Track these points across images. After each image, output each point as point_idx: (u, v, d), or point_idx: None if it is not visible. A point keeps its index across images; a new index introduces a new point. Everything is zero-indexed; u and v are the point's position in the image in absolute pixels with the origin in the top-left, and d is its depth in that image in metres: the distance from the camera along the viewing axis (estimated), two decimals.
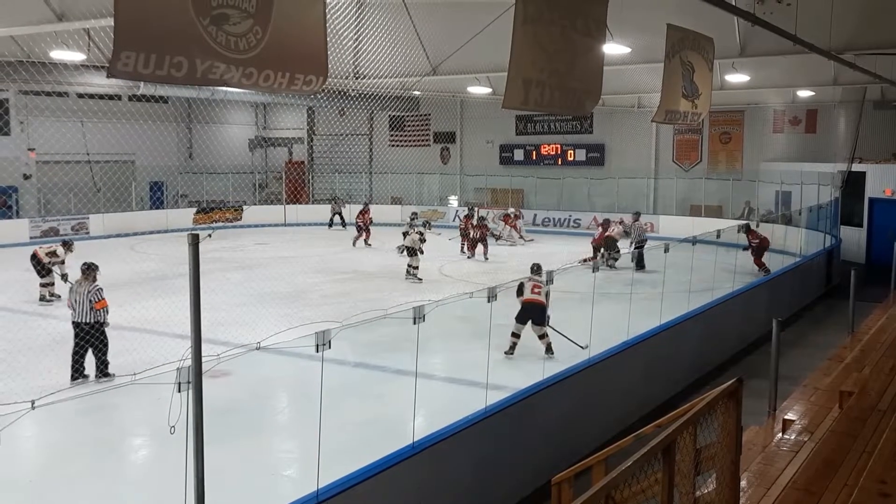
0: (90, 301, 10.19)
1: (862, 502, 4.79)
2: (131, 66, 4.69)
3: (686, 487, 4.20)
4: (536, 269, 11.85)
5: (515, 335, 11.16)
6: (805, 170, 23.33)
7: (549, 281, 9.80)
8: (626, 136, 29.38)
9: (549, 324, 11.16)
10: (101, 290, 10.40)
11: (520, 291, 11.24)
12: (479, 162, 33.08)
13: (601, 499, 3.04)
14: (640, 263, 16.62)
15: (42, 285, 15.48)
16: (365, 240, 24.46)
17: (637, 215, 21.16)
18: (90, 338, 10.18)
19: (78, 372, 10.22)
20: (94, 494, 7.24)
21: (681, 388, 11.25)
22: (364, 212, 24.89)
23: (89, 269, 10.53)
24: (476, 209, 25.29)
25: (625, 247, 19.24)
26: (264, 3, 5.39)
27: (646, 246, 17.58)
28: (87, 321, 10.16)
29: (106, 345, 10.38)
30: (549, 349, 10.99)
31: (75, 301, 10.29)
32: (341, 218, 29.39)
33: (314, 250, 23.81)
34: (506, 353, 11.03)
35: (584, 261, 18.83)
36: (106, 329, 10.43)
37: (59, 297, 15.22)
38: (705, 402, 4.21)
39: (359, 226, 24.69)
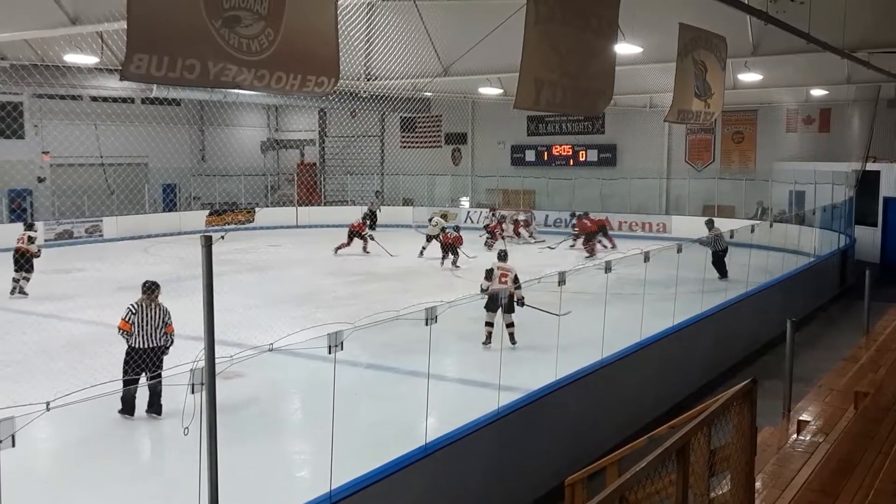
0: (165, 324, 9.02)
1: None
2: (144, 69, 4.71)
3: (700, 489, 4.18)
4: (503, 255, 12.57)
5: (489, 324, 11.51)
6: (819, 169, 23.16)
7: (562, 281, 9.77)
8: (639, 136, 29.26)
9: (526, 304, 11.51)
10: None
11: (488, 276, 12.06)
12: (491, 163, 33.04)
13: (615, 500, 3.03)
14: (722, 271, 16.62)
15: (25, 279, 16.02)
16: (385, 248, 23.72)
17: (711, 222, 18.80)
18: (152, 365, 8.87)
19: (131, 407, 8.84)
20: (109, 495, 7.28)
21: (694, 388, 11.20)
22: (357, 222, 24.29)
23: (154, 289, 9.14)
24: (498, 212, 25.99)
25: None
26: (276, 5, 5.41)
27: (719, 251, 16.99)
28: (155, 345, 8.92)
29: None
30: (512, 338, 11.41)
31: (142, 324, 8.90)
32: (374, 218, 28.49)
33: (327, 252, 23.83)
34: (483, 343, 11.44)
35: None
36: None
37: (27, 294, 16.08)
38: (719, 403, 4.19)
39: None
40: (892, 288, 15.62)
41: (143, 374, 8.84)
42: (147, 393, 8.77)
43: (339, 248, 23.00)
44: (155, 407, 8.79)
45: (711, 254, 16.65)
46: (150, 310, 8.95)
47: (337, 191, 35.01)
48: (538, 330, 11.14)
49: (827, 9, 13.44)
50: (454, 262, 20.67)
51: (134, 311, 8.90)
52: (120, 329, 8.94)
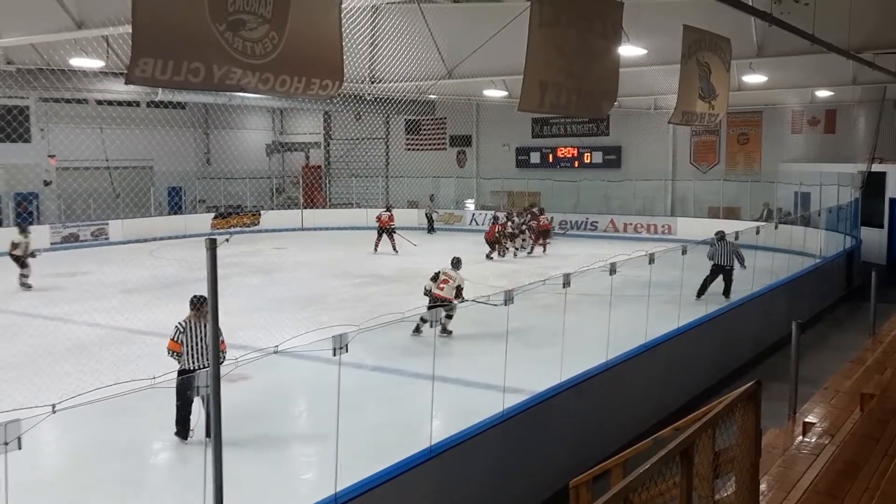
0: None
1: None
2: (149, 73, 4.73)
3: (705, 491, 4.17)
4: (456, 262, 13.15)
5: (422, 320, 11.59)
6: (824, 170, 23.11)
7: (567, 283, 9.76)
8: (643, 137, 29.26)
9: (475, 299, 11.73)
10: None
11: (435, 278, 12.75)
12: (496, 165, 33.06)
13: (619, 502, 3.03)
14: (727, 289, 15.12)
15: (23, 275, 17.24)
16: (391, 245, 23.99)
17: (720, 234, 15.88)
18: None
19: (186, 428, 8.24)
20: (114, 497, 7.30)
21: (700, 390, 11.17)
22: (385, 216, 24.55)
23: (202, 304, 8.18)
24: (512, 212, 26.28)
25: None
26: (280, 8, 5.43)
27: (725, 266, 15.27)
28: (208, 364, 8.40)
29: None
30: (444, 330, 12.30)
31: (192, 342, 8.27)
32: (430, 222, 30.41)
33: (332, 254, 23.88)
34: (412, 332, 11.86)
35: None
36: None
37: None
38: (724, 405, 4.18)
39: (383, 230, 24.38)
40: None
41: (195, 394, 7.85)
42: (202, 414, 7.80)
43: (375, 247, 24.04)
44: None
45: (712, 267, 15.19)
46: (200, 327, 8.24)
47: (342, 193, 35.07)
48: (544, 332, 11.13)
49: (832, 10, 13.42)
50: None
51: (182, 330, 8.29)
52: (169, 350, 8.32)
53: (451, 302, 12.19)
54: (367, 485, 5.97)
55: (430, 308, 11.71)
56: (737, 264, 15.22)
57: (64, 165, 27.25)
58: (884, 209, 23.21)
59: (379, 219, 24.50)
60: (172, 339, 8.28)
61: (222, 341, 7.85)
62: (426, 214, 30.74)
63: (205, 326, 8.02)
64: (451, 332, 12.59)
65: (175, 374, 8.03)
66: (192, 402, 8.09)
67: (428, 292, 12.68)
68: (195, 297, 8.36)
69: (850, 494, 5.16)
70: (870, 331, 11.88)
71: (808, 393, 8.43)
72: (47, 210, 27.56)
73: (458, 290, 12.58)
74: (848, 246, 20.26)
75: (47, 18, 13.43)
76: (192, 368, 8.15)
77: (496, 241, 23.06)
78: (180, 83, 4.90)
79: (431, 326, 11.15)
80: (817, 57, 15.36)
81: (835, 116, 26.48)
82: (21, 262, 17.17)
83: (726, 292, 15.06)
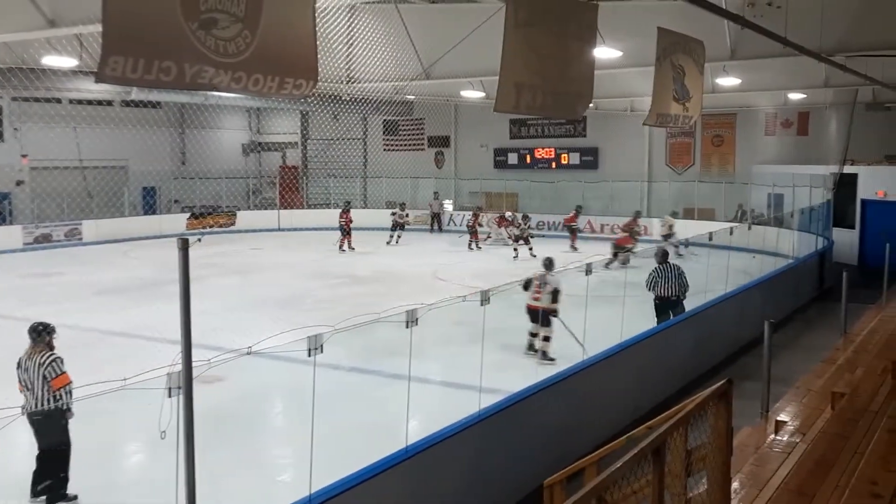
0: (44, 377, 6.83)
1: (854, 503, 4.80)
2: (120, 71, 4.68)
3: (677, 489, 4.20)
4: (548, 263, 11.69)
5: (532, 334, 11.48)
6: (797, 172, 23.39)
7: (546, 283, 9.79)
8: (620, 139, 29.49)
9: (559, 318, 11.17)
10: (61, 360, 6.98)
11: (526, 286, 11.25)
12: (474, 166, 33.12)
13: (591, 500, 3.05)
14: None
15: None
16: (347, 243, 24.61)
17: (662, 255, 12.79)
18: (47, 435, 6.86)
19: (53, 492, 6.91)
20: (85, 501, 7.21)
21: (675, 390, 11.25)
22: (345, 213, 25.00)
23: (41, 333, 7.17)
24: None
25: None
26: (253, 7, 5.40)
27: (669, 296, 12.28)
28: (43, 409, 6.79)
29: (68, 451, 6.93)
30: (544, 355, 11.05)
31: (28, 380, 6.97)
32: (439, 221, 31.00)
33: (308, 255, 23.79)
34: (525, 351, 11.40)
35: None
36: (70, 421, 6.93)
37: None
38: (695, 404, 4.22)
39: (342, 228, 24.83)
40: (869, 290, 15.76)
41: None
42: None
43: (341, 244, 24.48)
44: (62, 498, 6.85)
45: (655, 301, 12.26)
46: (33, 361, 6.95)
47: (319, 194, 34.94)
48: (521, 333, 11.16)
49: (804, 13, 13.58)
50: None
51: (19, 367, 7.04)
52: (66, 386, 6.91)
53: (552, 312, 11.11)
54: (342, 486, 5.95)
55: (532, 321, 11.29)
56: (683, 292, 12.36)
57: (37, 165, 26.90)
58: (855, 210, 23.55)
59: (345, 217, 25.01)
60: (64, 373, 6.96)
61: (63, 373, 6.90)
62: (431, 212, 31.26)
63: (38, 357, 6.94)
64: (553, 360, 10.94)
65: (145, 375, 7.93)
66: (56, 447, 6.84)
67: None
68: (34, 324, 7.27)
69: (821, 492, 5.22)
70: (841, 330, 12.05)
71: (781, 392, 8.53)
72: (19, 210, 27.20)
73: (555, 294, 11.26)
74: (820, 247, 20.51)
75: (19, 17, 13.25)
76: (32, 412, 6.76)
77: (476, 232, 25.27)
78: (152, 82, 4.85)
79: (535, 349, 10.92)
80: (790, 60, 15.53)
81: (808, 119, 26.80)
82: None
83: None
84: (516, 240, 23.72)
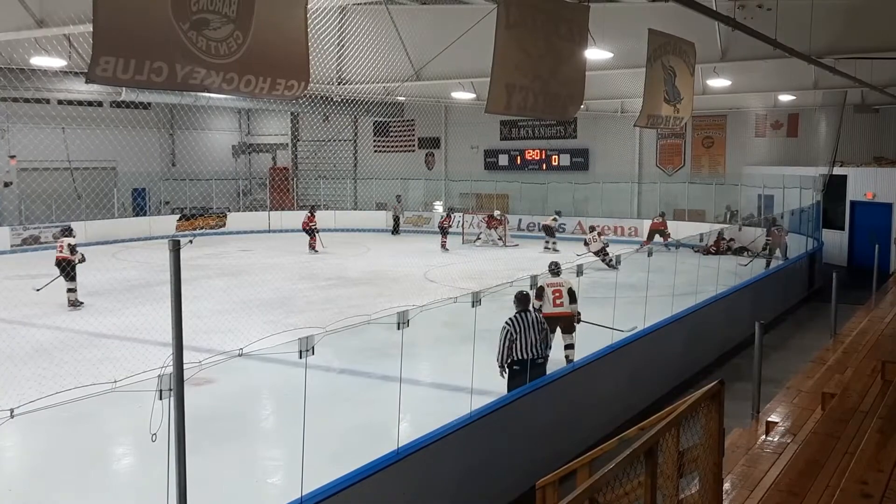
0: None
1: (844, 503, 4.81)
2: (110, 72, 4.65)
3: (670, 490, 4.20)
4: (555, 267, 10.84)
5: (568, 346, 10.63)
6: (787, 173, 23.51)
7: (534, 285, 9.76)
8: (610, 140, 29.54)
9: (584, 319, 10.75)
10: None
11: (539, 295, 10.22)
12: (464, 167, 33.11)
13: (583, 501, 3.04)
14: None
15: (70, 290, 15.49)
16: (312, 245, 24.76)
17: (522, 299, 9.42)
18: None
19: None
20: (75, 502, 7.17)
21: (666, 391, 11.28)
22: (310, 217, 25.13)
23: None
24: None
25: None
26: (245, 8, 5.37)
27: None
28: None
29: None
30: (567, 360, 10.55)
31: None
32: (397, 223, 30.96)
33: (299, 257, 23.74)
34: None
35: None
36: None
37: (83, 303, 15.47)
38: (687, 405, 4.22)
39: (309, 230, 24.97)
40: (858, 290, 15.85)
41: None
42: None
43: (311, 246, 24.63)
44: None
45: (512, 364, 9.11)
46: None
47: (310, 195, 34.88)
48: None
49: (794, 15, 13.66)
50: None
51: None
52: None
53: (572, 317, 10.52)
54: (333, 488, 5.93)
55: (557, 330, 10.10)
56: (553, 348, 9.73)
57: (25, 166, 26.76)
58: (845, 212, 23.67)
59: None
60: None
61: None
62: (393, 216, 31.11)
63: None
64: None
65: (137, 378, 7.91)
66: None
67: (537, 309, 9.83)
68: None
69: (812, 492, 5.24)
70: (831, 331, 12.10)
71: (771, 393, 8.56)
72: (7, 212, 27.02)
73: (572, 294, 10.62)
74: (810, 248, 20.61)
75: (7, 16, 13.17)
76: None
77: (446, 231, 25.75)
78: (143, 82, 4.82)
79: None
80: (780, 62, 15.61)
81: (797, 120, 26.94)
82: (73, 272, 15.76)
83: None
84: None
